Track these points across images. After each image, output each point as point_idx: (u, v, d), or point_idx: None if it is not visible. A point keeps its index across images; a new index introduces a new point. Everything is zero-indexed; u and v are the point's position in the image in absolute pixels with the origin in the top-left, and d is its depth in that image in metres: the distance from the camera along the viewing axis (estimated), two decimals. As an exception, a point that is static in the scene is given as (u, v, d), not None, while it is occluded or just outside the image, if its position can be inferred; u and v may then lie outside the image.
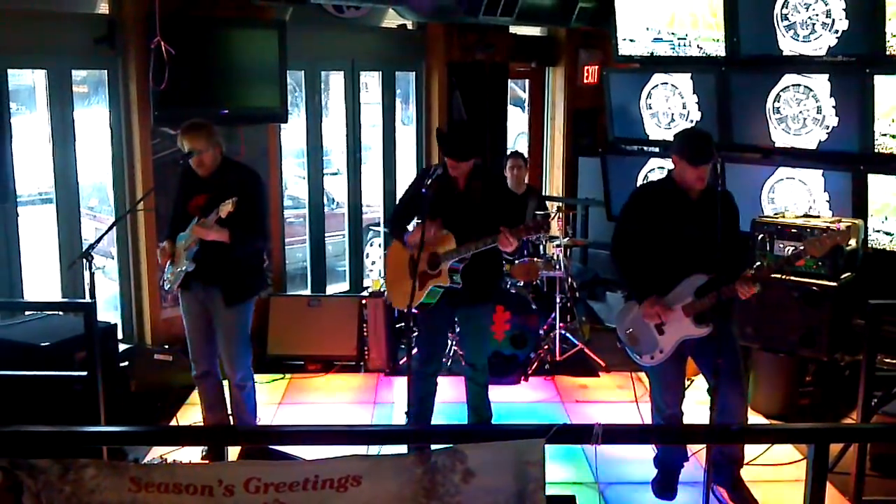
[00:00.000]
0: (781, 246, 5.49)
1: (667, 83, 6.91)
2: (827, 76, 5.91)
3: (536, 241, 6.67)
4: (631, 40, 7.02)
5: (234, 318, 4.83)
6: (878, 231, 5.86)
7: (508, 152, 7.70)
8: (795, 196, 6.22)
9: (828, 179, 6.07)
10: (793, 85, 6.11)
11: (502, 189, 5.07)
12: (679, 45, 6.72)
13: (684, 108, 6.83)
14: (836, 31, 5.81)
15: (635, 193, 4.59)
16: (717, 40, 6.45)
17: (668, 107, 6.93)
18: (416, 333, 5.69)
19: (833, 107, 5.93)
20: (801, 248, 4.22)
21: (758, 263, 5.31)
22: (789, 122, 6.18)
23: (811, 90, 6.01)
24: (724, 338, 4.19)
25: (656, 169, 7.15)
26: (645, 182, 6.87)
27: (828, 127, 5.99)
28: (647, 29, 6.86)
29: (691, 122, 6.78)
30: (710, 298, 4.15)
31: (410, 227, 4.95)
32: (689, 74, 6.76)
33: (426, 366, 4.95)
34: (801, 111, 6.09)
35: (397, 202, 5.17)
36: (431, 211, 4.54)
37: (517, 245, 4.61)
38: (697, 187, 4.23)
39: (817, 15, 5.86)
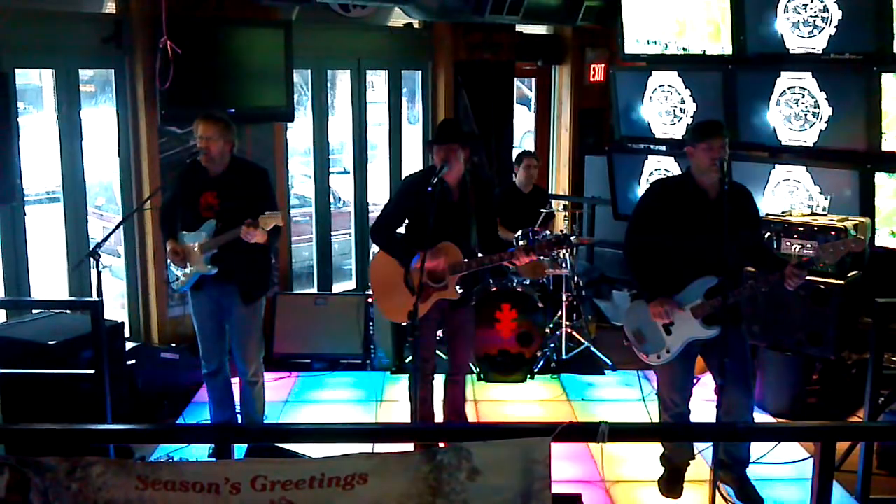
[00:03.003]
0: (789, 244, 5.48)
1: (663, 85, 6.90)
2: (815, 75, 5.93)
3: (556, 256, 6.56)
4: (630, 53, 7.07)
5: (250, 315, 4.90)
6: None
7: (520, 151, 7.68)
8: (797, 195, 6.20)
9: (829, 178, 6.05)
10: (788, 88, 6.11)
11: (492, 199, 4.97)
12: (686, 47, 6.72)
13: (682, 102, 6.83)
14: (835, 24, 5.81)
15: (652, 188, 4.52)
16: (724, 47, 6.44)
17: (670, 105, 6.93)
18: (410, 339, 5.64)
19: (826, 99, 5.94)
20: (814, 256, 4.20)
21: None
22: (793, 120, 6.17)
23: (806, 89, 6.02)
24: (734, 339, 4.18)
25: (654, 171, 7.14)
26: (663, 177, 6.82)
27: (826, 119, 5.98)
28: (648, 42, 6.89)
29: (692, 118, 6.78)
30: (718, 301, 4.13)
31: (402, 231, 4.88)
32: (677, 72, 6.77)
33: (424, 367, 4.92)
34: (801, 110, 6.09)
35: (383, 210, 4.93)
36: (426, 218, 4.34)
37: (533, 259, 4.55)
38: (714, 172, 4.15)
39: (816, 14, 5.86)
